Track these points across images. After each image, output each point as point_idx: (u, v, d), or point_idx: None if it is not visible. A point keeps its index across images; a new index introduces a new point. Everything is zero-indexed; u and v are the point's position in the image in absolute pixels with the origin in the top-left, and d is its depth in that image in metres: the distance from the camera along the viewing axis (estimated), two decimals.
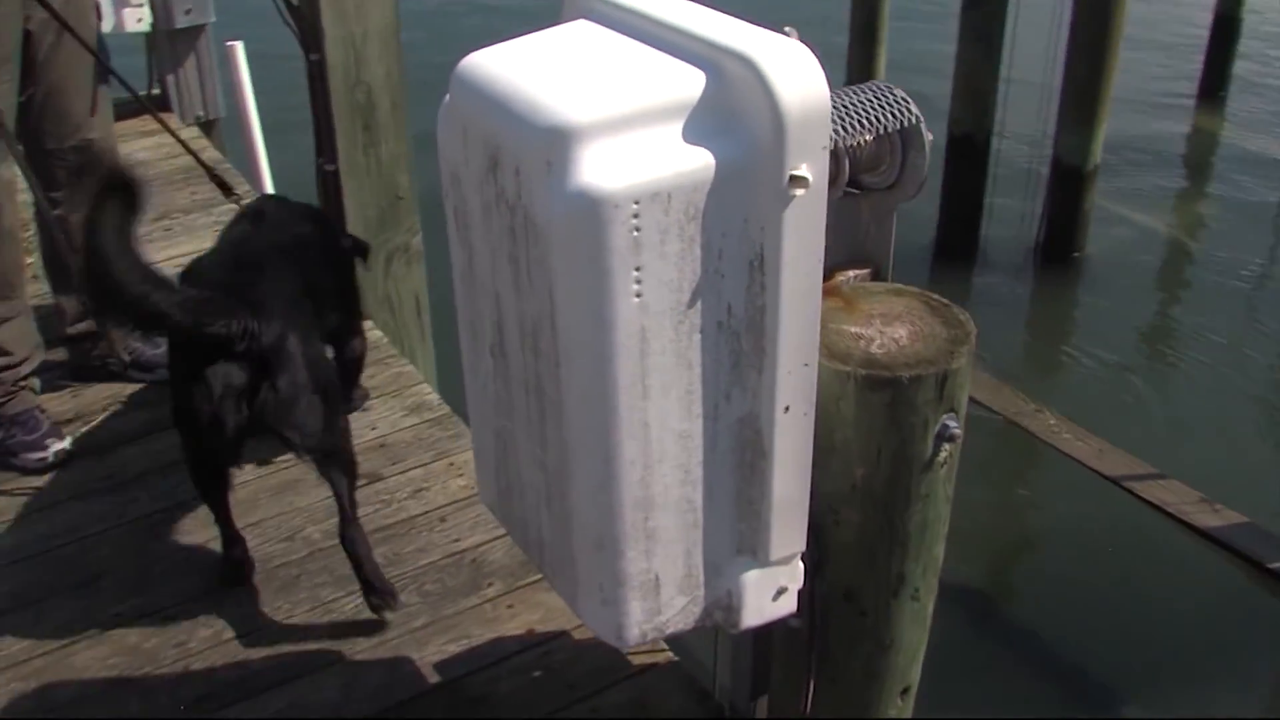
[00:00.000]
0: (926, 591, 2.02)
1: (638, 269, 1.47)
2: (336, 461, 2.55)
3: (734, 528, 1.75)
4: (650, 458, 1.62)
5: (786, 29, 1.68)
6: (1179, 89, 10.74)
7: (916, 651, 2.09)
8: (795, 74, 1.44)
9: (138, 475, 3.08)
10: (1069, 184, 7.90)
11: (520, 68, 1.59)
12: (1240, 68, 10.87)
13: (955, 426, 1.81)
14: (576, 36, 1.67)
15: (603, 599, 1.74)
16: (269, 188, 5.05)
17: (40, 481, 3.08)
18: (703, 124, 1.47)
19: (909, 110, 1.84)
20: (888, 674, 2.07)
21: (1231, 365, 7.05)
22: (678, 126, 1.47)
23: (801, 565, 1.84)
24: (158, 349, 3.36)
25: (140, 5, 5.06)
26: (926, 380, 1.74)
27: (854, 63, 9.00)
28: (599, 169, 1.43)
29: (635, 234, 1.45)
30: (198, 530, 2.86)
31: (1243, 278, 8.11)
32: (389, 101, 3.52)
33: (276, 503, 2.96)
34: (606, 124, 1.44)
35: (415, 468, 3.12)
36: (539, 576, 2.71)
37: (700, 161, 1.45)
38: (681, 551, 1.73)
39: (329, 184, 3.59)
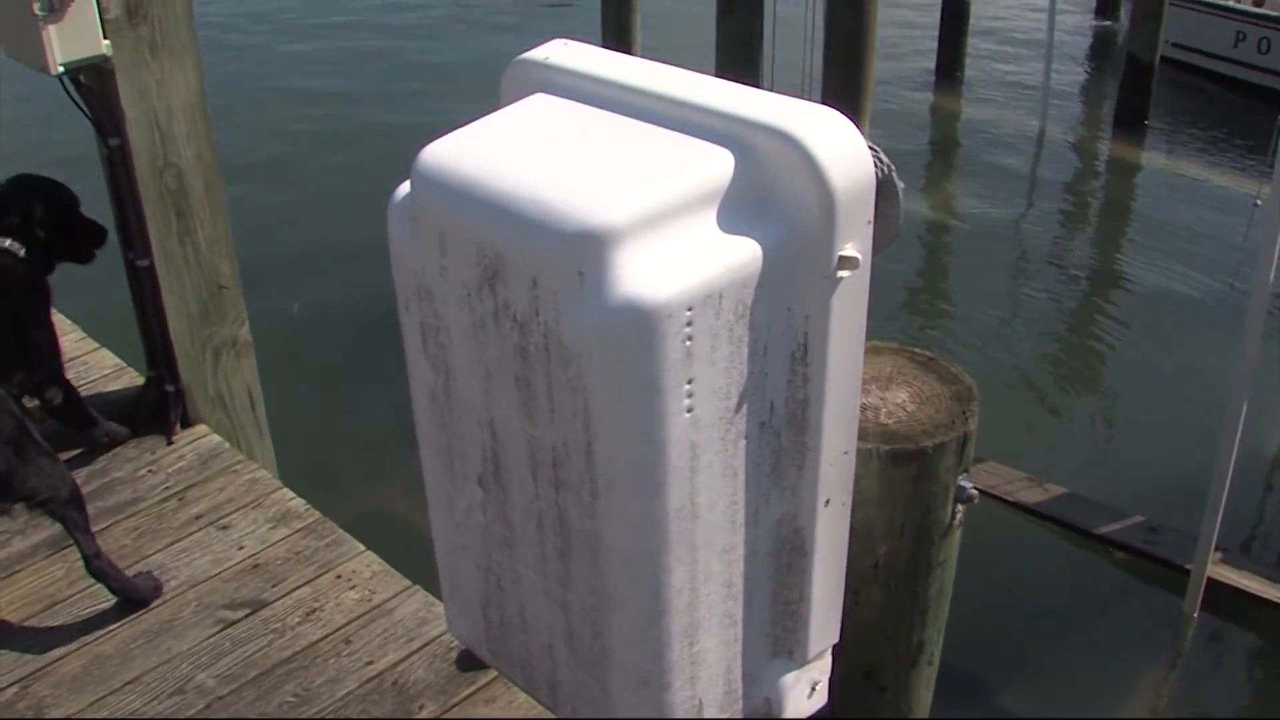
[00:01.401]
0: (938, 652, 1.93)
1: (689, 381, 1.31)
2: (64, 508, 2.56)
3: (770, 632, 1.61)
4: (697, 580, 1.46)
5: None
6: (921, 68, 11.32)
7: (927, 710, 2.01)
8: (839, 146, 1.31)
9: None
10: None
11: (504, 159, 1.39)
12: (973, 46, 11.56)
13: (970, 487, 1.73)
14: (548, 116, 1.48)
15: None
16: None
17: None
18: (738, 209, 1.32)
19: (880, 160, 1.73)
20: None
21: (1007, 336, 7.43)
22: (712, 214, 1.31)
23: (831, 655, 1.72)
24: None
25: None
26: (949, 446, 1.65)
27: None
28: (644, 274, 1.25)
29: (688, 344, 1.28)
30: None
31: (1002, 245, 8.65)
32: (202, 183, 3.16)
33: (153, 651, 2.59)
34: (644, 221, 1.26)
35: (300, 586, 2.80)
36: (474, 688, 2.48)
37: (747, 252, 1.30)
38: (723, 670, 1.57)
39: (142, 281, 3.21)
